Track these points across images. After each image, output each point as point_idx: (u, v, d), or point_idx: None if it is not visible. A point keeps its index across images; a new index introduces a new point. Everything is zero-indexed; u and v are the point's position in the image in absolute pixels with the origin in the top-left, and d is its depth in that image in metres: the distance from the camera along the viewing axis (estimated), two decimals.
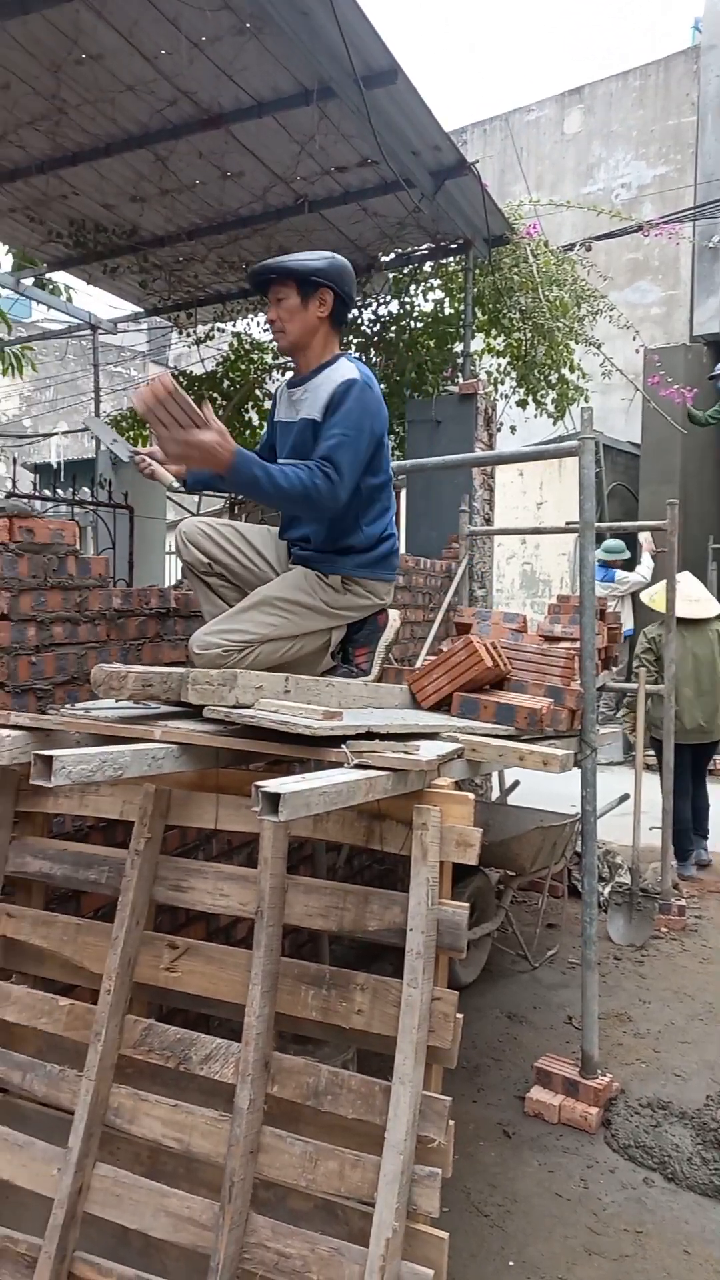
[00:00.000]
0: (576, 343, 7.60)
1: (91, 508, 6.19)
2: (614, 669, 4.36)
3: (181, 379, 8.65)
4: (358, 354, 7.68)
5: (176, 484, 2.78)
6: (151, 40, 4.45)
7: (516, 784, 5.35)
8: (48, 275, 8.12)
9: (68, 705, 2.43)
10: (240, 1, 4.12)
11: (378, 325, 7.68)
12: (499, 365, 7.74)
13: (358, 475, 2.49)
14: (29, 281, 7.92)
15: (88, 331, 8.70)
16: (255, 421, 8.27)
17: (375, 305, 7.67)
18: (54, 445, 15.91)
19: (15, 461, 7.44)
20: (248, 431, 8.08)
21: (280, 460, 2.61)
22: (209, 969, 2.01)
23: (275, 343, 2.64)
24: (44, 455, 15.80)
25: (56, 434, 15.47)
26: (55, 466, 13.74)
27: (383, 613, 2.81)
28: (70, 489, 5.86)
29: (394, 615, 2.84)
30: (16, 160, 5.69)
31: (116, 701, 2.31)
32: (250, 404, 8.28)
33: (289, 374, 2.71)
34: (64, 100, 5.00)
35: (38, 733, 1.99)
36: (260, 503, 2.44)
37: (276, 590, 2.57)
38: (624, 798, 5.22)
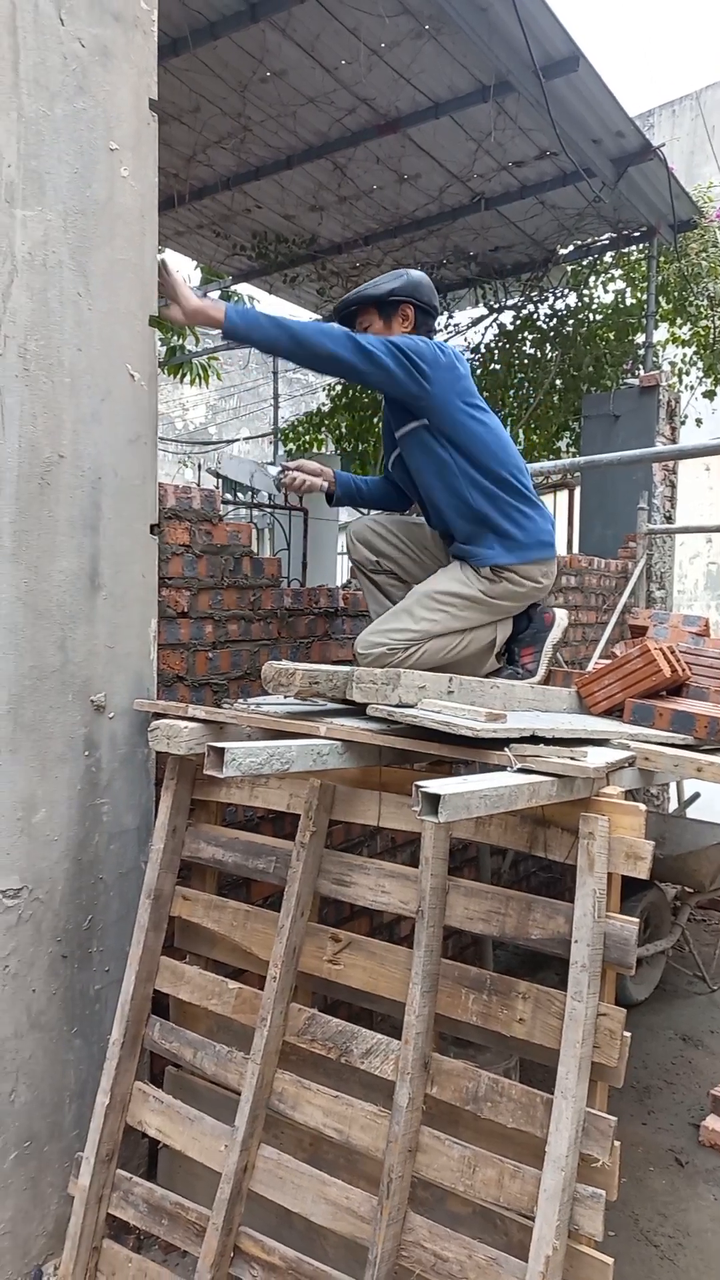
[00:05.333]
0: None
1: (269, 510, 6.42)
2: None
3: None
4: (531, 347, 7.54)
5: (322, 489, 2.83)
6: (332, 52, 4.56)
7: (697, 796, 5.08)
8: (233, 287, 8.48)
9: (240, 700, 2.53)
10: (418, 4, 4.14)
11: (554, 320, 7.52)
12: (684, 355, 7.38)
13: (393, 361, 2.41)
14: (215, 294, 8.30)
15: None
16: None
17: (551, 299, 7.51)
18: (237, 450, 16.61)
19: (200, 467, 7.85)
20: None
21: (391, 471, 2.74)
22: (370, 964, 2.03)
23: None
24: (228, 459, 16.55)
25: (239, 440, 16.13)
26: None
27: (549, 612, 2.75)
28: (250, 492, 6.10)
29: (561, 615, 2.77)
30: (204, 179, 5.99)
31: (285, 698, 2.38)
32: None
33: None
34: (249, 118, 5.21)
35: (213, 725, 2.08)
36: (290, 357, 2.45)
37: (435, 585, 2.57)
38: None
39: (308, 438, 9.27)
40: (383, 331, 2.61)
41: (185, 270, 8.57)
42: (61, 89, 2.10)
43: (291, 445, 9.35)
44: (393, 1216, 1.82)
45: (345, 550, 2.92)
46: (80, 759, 2.21)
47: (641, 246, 6.66)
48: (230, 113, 5.16)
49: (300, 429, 9.30)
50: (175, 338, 9.01)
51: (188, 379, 9.50)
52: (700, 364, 7.32)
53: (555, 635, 2.74)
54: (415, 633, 2.49)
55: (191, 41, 4.42)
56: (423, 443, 2.56)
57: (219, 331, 2.35)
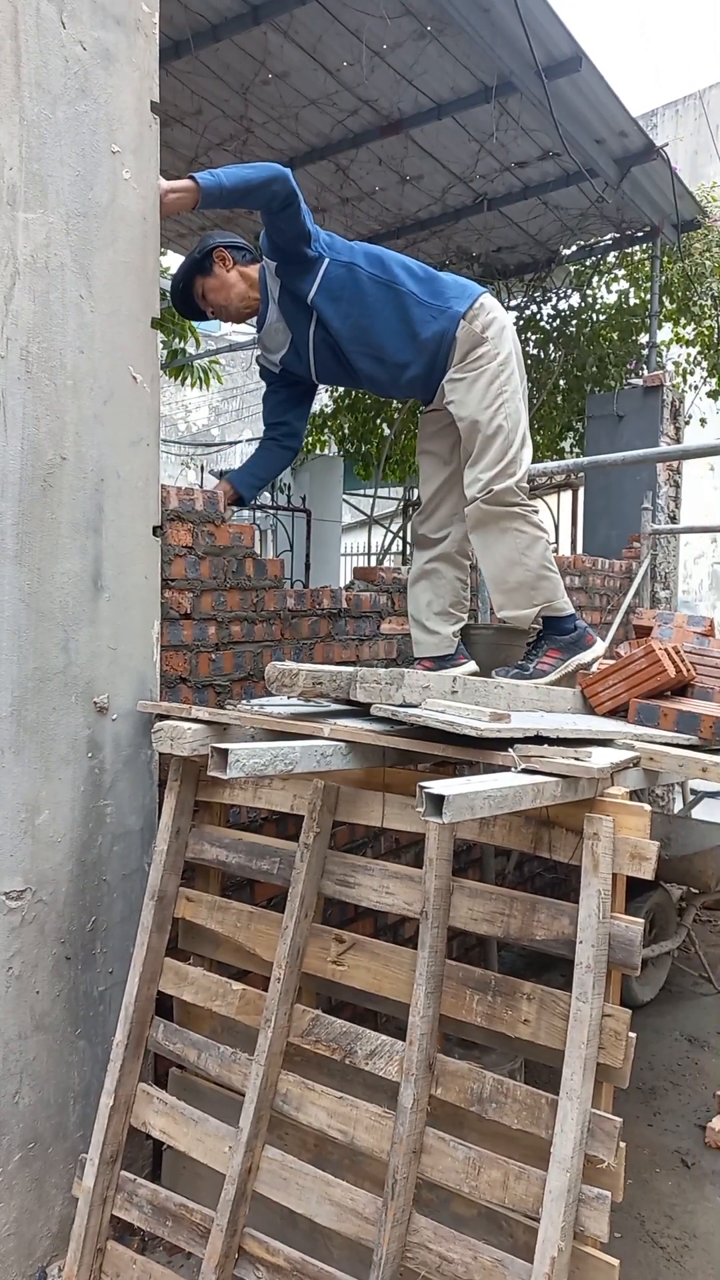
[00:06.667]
0: None
1: (272, 512, 6.42)
2: None
3: None
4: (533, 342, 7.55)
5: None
6: (334, 54, 4.56)
7: (702, 797, 5.07)
8: None
9: (243, 701, 2.53)
10: (421, 5, 4.14)
11: (557, 320, 7.51)
12: (688, 355, 7.38)
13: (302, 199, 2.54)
14: None
15: None
16: None
17: (555, 300, 7.50)
18: (239, 452, 16.61)
19: (203, 469, 7.86)
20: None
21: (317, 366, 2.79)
22: (375, 965, 2.02)
23: (232, 321, 2.90)
24: (230, 462, 16.56)
25: (242, 441, 16.15)
26: None
27: (593, 635, 2.84)
28: None
29: (600, 645, 2.86)
30: None
31: (288, 698, 2.38)
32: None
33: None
34: (251, 120, 5.21)
35: (216, 726, 2.08)
36: (247, 202, 2.51)
37: (473, 409, 2.68)
38: None
39: (310, 439, 9.27)
40: (214, 287, 2.75)
41: None
42: (63, 92, 2.10)
43: None
44: (397, 1218, 1.81)
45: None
46: (84, 761, 2.21)
47: (645, 246, 6.65)
48: (232, 115, 5.16)
49: None
50: (177, 340, 9.00)
51: (189, 382, 9.49)
52: (704, 364, 7.31)
53: (585, 658, 2.81)
54: (509, 437, 2.66)
55: (193, 44, 4.42)
56: (343, 279, 2.64)
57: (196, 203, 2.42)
